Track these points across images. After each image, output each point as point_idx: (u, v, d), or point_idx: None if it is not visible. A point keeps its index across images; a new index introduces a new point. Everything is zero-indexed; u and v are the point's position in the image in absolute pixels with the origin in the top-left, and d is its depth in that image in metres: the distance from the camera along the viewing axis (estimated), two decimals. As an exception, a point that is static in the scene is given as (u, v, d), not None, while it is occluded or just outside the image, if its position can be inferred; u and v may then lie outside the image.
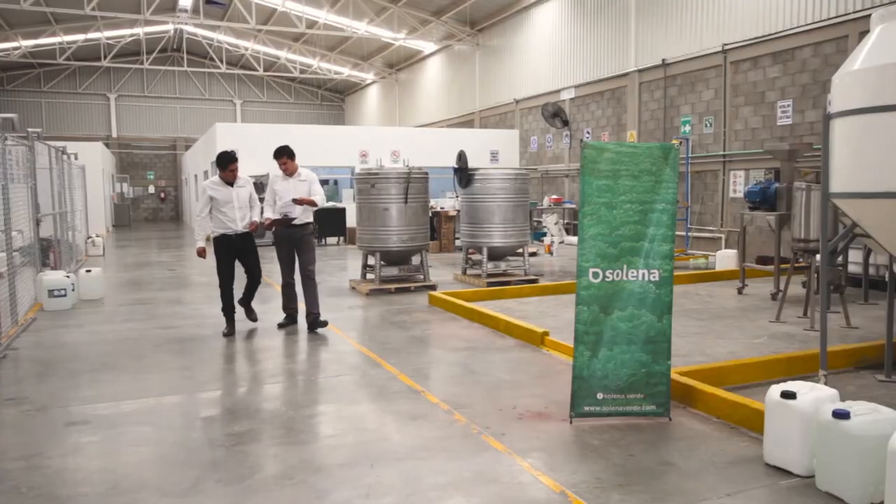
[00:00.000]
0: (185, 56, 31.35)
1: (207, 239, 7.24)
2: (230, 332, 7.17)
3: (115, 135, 34.45)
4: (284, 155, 7.28)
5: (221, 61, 30.80)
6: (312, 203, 7.25)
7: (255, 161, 17.48)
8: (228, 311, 7.22)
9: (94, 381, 5.59)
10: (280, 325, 7.48)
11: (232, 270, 7.17)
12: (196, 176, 25.56)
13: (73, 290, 9.08)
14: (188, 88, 36.02)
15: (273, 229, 7.35)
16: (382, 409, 4.79)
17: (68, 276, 9.16)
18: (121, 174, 33.47)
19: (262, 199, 7.41)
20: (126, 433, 4.38)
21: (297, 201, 7.17)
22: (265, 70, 32.75)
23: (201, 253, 7.17)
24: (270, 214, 7.27)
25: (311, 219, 7.45)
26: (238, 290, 7.35)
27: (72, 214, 13.57)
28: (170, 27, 29.10)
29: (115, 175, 31.86)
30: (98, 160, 22.96)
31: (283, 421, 4.59)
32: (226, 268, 7.18)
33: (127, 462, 3.93)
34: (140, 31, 27.87)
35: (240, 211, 7.08)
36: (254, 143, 17.69)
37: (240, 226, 7.08)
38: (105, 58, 29.31)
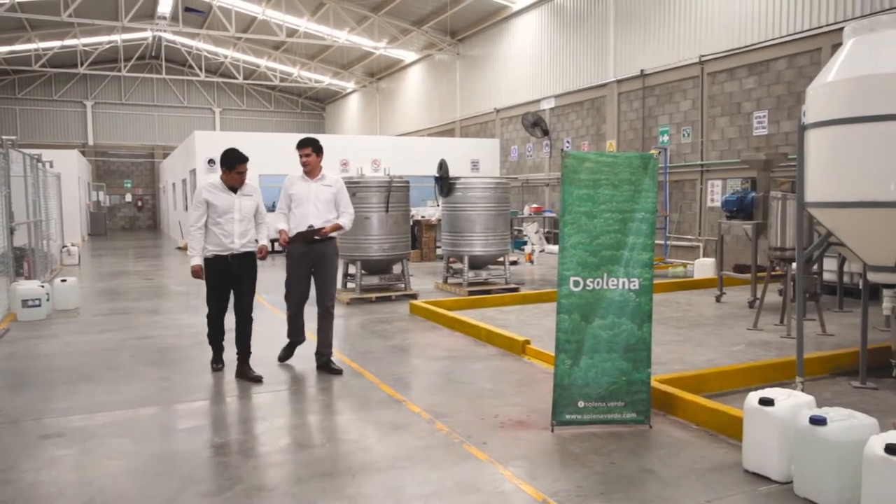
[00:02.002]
0: (163, 63, 31.06)
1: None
2: (219, 364, 6.07)
3: (91, 142, 34.04)
4: (310, 146, 5.83)
5: (200, 69, 30.61)
6: (338, 228, 5.87)
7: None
8: (216, 340, 6.08)
9: (69, 392, 5.49)
10: (283, 358, 6.30)
11: (225, 301, 5.87)
12: (174, 184, 25.31)
13: (47, 300, 8.93)
14: (166, 96, 35.73)
15: (289, 246, 5.96)
16: (364, 418, 4.77)
17: (43, 286, 9.01)
18: (97, 182, 33.06)
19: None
20: (102, 445, 4.31)
21: (309, 235, 5.73)
22: (245, 78, 32.60)
23: (198, 272, 5.68)
24: (285, 226, 5.85)
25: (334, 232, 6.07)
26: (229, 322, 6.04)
27: (46, 223, 13.38)
28: (148, 34, 28.86)
29: (92, 183, 31.46)
30: (74, 168, 22.66)
31: (264, 431, 4.54)
32: (217, 297, 5.83)
33: (103, 475, 3.86)
34: (118, 37, 27.60)
35: (241, 225, 5.67)
36: (233, 151, 17.56)
37: (238, 244, 5.66)
38: (82, 65, 28.96)
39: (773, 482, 3.62)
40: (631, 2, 15.43)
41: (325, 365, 6.01)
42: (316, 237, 5.79)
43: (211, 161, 17.74)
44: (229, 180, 5.71)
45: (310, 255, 5.90)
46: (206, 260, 5.68)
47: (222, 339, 6.08)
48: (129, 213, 35.46)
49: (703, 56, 13.48)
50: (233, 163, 5.65)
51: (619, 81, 15.95)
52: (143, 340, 7.46)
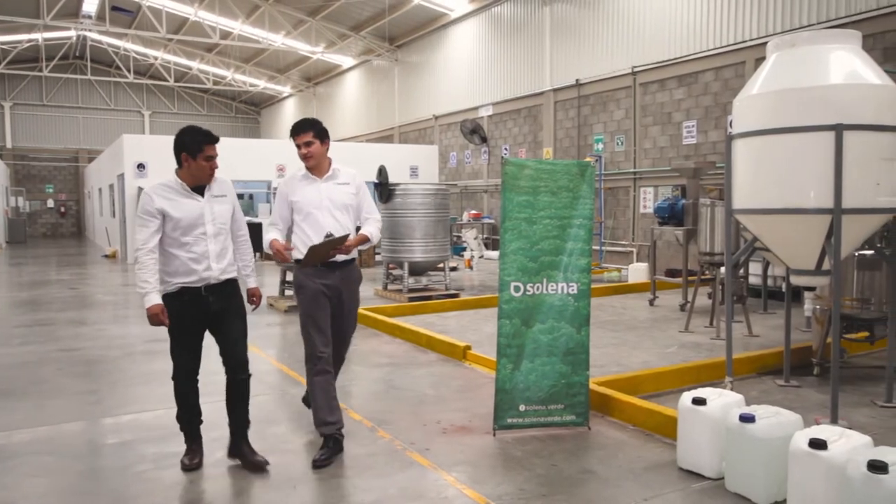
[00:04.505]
0: (88, 64, 29.83)
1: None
2: (194, 459, 4.00)
3: (9, 145, 32.30)
4: (310, 130, 4.14)
5: (129, 70, 29.53)
6: (364, 241, 4.23)
7: (164, 175, 16.86)
8: (190, 416, 4.07)
9: (-13, 408, 5.20)
10: (316, 463, 3.99)
11: (197, 352, 4.02)
12: (100, 190, 24.31)
13: (-38, 311, 8.40)
14: (92, 98, 34.31)
15: (287, 263, 4.34)
16: (304, 428, 4.68)
17: (-43, 297, 8.44)
18: (16, 187, 31.39)
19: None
20: (26, 464, 4.08)
21: (329, 249, 4.02)
22: (176, 80, 31.65)
23: (157, 316, 3.72)
24: (279, 236, 4.20)
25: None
26: (212, 384, 4.33)
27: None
28: (72, 33, 27.64)
29: (10, 188, 29.88)
30: (-9, 172, 21.49)
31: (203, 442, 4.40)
32: (188, 350, 3.98)
33: (28, 494, 3.66)
34: (39, 36, 26.35)
35: (217, 241, 3.90)
36: (164, 155, 16.99)
37: (217, 269, 3.88)
38: (-1, 63, 27.56)
39: (706, 479, 3.75)
40: (566, 13, 15.79)
41: (333, 448, 4.10)
42: (332, 251, 4.06)
43: (140, 166, 17.14)
44: (194, 174, 3.84)
45: (333, 283, 4.18)
46: (169, 296, 3.82)
47: (199, 416, 4.09)
48: (51, 220, 33.80)
49: (635, 67, 13.90)
50: (198, 145, 3.80)
51: (555, 90, 16.27)
52: (68, 353, 7.13)
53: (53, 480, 3.85)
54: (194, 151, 3.81)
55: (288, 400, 5.37)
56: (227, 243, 4.00)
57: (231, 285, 4.01)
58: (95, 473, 3.96)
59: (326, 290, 4.16)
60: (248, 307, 4.13)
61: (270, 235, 4.17)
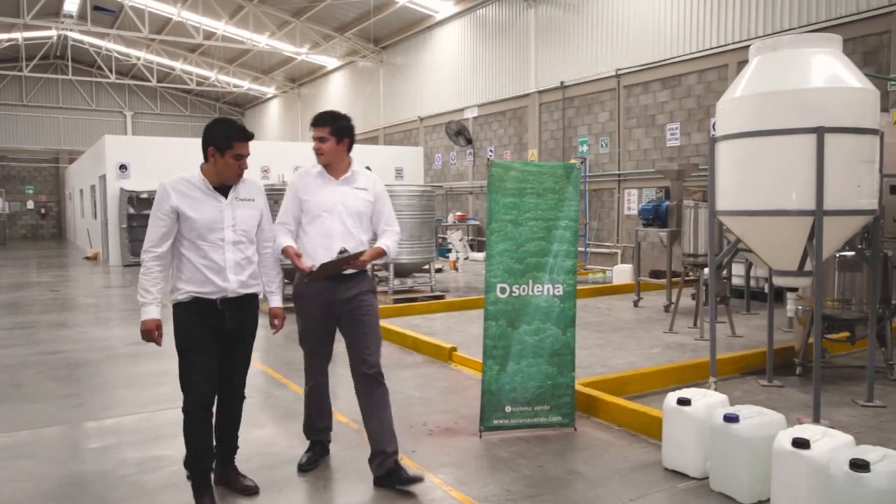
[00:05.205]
0: (69, 64, 29.51)
1: (165, 304, 3.39)
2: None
3: (-11, 146, 31.92)
4: (327, 125, 3.77)
5: (111, 70, 29.23)
6: (380, 254, 3.82)
7: (147, 177, 16.74)
8: (203, 465, 3.48)
9: (-34, 413, 5.12)
10: (302, 467, 3.94)
11: (214, 376, 3.45)
12: (82, 191, 24.04)
13: (-60, 314, 8.26)
14: (73, 98, 33.95)
15: (306, 280, 3.74)
16: (289, 430, 4.66)
17: (-65, 299, 8.29)
18: (-5, 188, 31.02)
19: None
20: (6, 469, 4.03)
21: (338, 267, 3.64)
22: (159, 81, 31.37)
23: (152, 330, 3.32)
24: (291, 242, 3.78)
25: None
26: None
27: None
28: (53, 33, 27.34)
29: (-11, 189, 29.50)
30: (-31, 173, 21.18)
31: (184, 447, 4.36)
32: (203, 369, 3.40)
33: (9, 500, 3.61)
34: (19, 35, 26.02)
35: (236, 251, 3.44)
36: (146, 156, 16.91)
37: (234, 282, 3.42)
38: (-22, 63, 27.21)
39: (690, 478, 3.77)
40: (551, 15, 15.86)
41: (393, 473, 3.67)
42: (345, 267, 3.67)
43: (123, 167, 16.96)
44: (220, 172, 3.41)
45: (335, 298, 3.74)
46: (180, 305, 3.39)
47: (212, 461, 3.54)
48: (31, 221, 33.38)
49: (619, 70, 13.99)
50: (228, 140, 3.35)
51: (540, 92, 16.33)
52: (50, 356, 7.04)
53: (35, 486, 3.80)
54: (223, 147, 3.35)
55: (272, 402, 5.34)
56: (249, 254, 3.51)
57: (250, 302, 3.54)
58: (78, 478, 3.91)
59: (331, 303, 3.73)
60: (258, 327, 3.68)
61: (282, 240, 3.75)
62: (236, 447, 3.76)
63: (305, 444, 4.13)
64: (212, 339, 3.41)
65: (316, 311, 3.78)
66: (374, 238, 3.94)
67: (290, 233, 3.81)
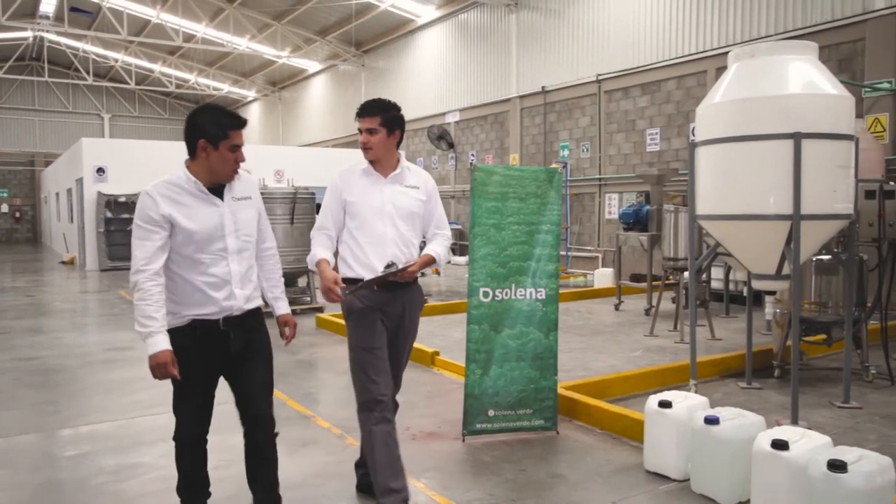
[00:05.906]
0: (45, 66, 29.09)
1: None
2: None
3: (-38, 148, 31.37)
4: (377, 115, 3.31)
5: (88, 72, 28.86)
6: (430, 262, 3.47)
7: (124, 180, 16.54)
8: (195, 493, 3.18)
9: (-62, 421, 5.01)
10: None
11: (209, 407, 3.10)
12: (58, 194, 23.69)
13: (-89, 320, 8.08)
14: (49, 100, 33.48)
15: (347, 293, 3.22)
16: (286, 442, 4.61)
17: None
18: (-31, 191, 30.47)
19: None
20: (-21, 478, 3.95)
21: (388, 279, 3.21)
22: (137, 83, 31.05)
23: (166, 366, 2.76)
24: (329, 254, 3.35)
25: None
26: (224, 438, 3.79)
27: None
28: (28, 34, 26.95)
29: (-38, 192, 28.97)
30: (-58, 176, 20.77)
31: (164, 453, 4.30)
32: (195, 402, 3.04)
33: (-19, 510, 3.54)
34: (-7, 36, 25.67)
35: (240, 260, 2.98)
36: (124, 159, 16.69)
37: (241, 297, 2.97)
38: (-49, 64, 26.74)
39: (672, 480, 3.80)
40: (532, 20, 15.94)
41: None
42: (392, 278, 3.23)
43: (100, 170, 16.74)
44: (214, 169, 2.89)
45: (393, 309, 3.37)
46: (176, 331, 2.86)
47: (207, 487, 3.20)
48: (5, 225, 32.82)
49: (600, 75, 14.09)
50: (222, 129, 2.85)
51: (521, 97, 16.40)
52: (25, 362, 6.92)
53: (10, 494, 3.72)
54: (216, 138, 2.83)
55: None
56: (253, 262, 3.08)
57: (255, 317, 3.07)
58: (54, 486, 3.84)
59: (385, 316, 3.33)
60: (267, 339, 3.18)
61: (319, 252, 3.29)
62: (278, 497, 3.18)
63: (289, 449, 4.04)
64: (212, 367, 2.99)
65: (376, 325, 3.31)
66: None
67: (330, 240, 3.39)
